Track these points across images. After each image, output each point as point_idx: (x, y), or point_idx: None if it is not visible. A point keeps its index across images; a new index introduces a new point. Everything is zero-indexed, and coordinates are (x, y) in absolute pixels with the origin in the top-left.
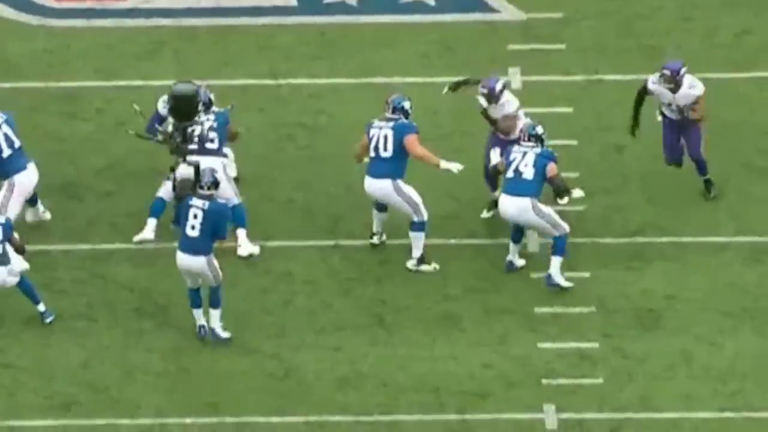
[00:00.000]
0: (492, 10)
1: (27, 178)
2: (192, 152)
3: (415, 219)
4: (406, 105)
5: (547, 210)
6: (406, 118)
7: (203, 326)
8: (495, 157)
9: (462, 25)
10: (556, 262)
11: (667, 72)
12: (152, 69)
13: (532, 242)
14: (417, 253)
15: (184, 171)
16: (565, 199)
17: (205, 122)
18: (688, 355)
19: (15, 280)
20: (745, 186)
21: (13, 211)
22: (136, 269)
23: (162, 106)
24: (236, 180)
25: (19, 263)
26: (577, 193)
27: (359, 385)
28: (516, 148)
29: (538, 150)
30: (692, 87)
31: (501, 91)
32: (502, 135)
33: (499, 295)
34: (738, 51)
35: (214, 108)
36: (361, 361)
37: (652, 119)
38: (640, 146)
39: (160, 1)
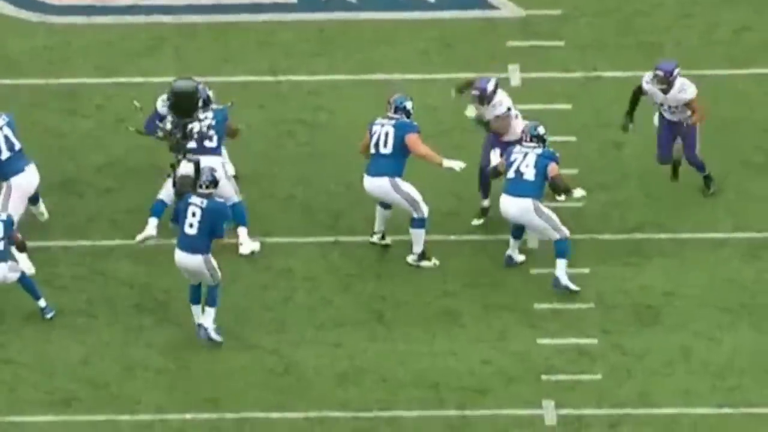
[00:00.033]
0: (491, 7)
1: (25, 180)
2: (191, 150)
3: (415, 216)
4: (408, 105)
5: (549, 212)
6: (408, 117)
7: (201, 325)
8: (495, 157)
9: (461, 22)
10: (561, 265)
11: (660, 73)
12: (152, 66)
13: (532, 238)
14: (418, 249)
15: (185, 168)
16: (562, 196)
17: (203, 120)
18: (686, 350)
19: (16, 276)
20: (743, 183)
21: (15, 211)
22: (136, 266)
23: (161, 104)
24: (235, 178)
25: (28, 267)
26: (579, 192)
27: (359, 380)
28: (517, 148)
29: (540, 151)
30: (682, 90)
31: (493, 92)
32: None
33: (498, 291)
34: (737, 48)
35: (213, 106)
36: (360, 357)
37: (651, 117)
38: (639, 143)
39: None
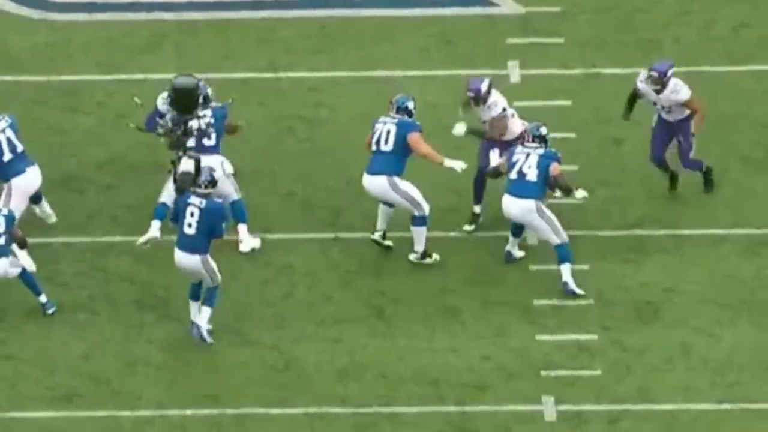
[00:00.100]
0: (491, 4)
1: (25, 181)
2: (190, 148)
3: (416, 214)
4: (410, 105)
5: (551, 214)
6: (410, 117)
7: (195, 323)
8: (495, 157)
9: (461, 19)
10: (566, 269)
11: (654, 73)
12: (153, 62)
13: (531, 235)
14: (419, 247)
15: (185, 165)
16: (557, 192)
17: (203, 117)
18: (686, 347)
19: (17, 271)
20: (742, 179)
21: (15, 210)
22: (137, 262)
23: (161, 102)
24: (234, 175)
25: (28, 264)
26: (580, 193)
27: (359, 376)
28: (519, 149)
29: (542, 151)
30: (675, 92)
31: (488, 92)
32: (497, 138)
33: (498, 287)
34: (736, 44)
35: (212, 103)
36: (360, 353)
37: (651, 114)
38: (639, 139)
39: None
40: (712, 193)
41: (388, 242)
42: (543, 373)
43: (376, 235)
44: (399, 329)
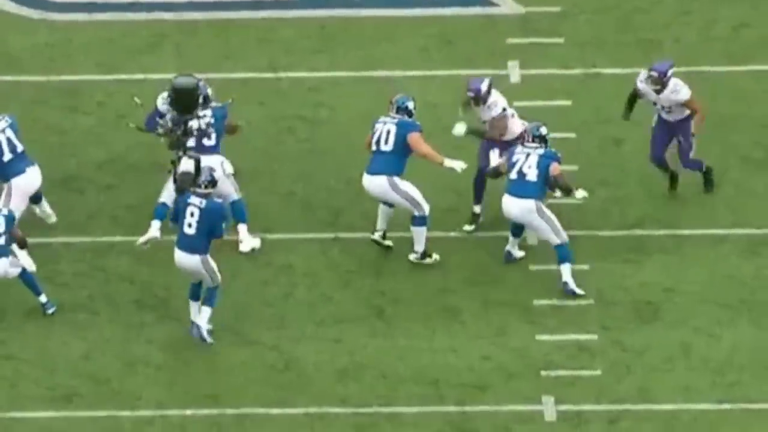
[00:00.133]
0: (491, 4)
1: (25, 182)
2: (190, 148)
3: (416, 214)
4: (410, 105)
5: (551, 214)
6: (410, 117)
7: (195, 323)
8: (495, 157)
9: (461, 19)
10: (566, 269)
11: (654, 73)
12: (153, 62)
13: (531, 235)
14: (419, 247)
15: (185, 165)
16: (557, 192)
17: (203, 117)
18: (686, 347)
19: (17, 271)
20: (742, 179)
21: (15, 210)
22: (137, 262)
23: (161, 102)
24: (234, 175)
25: (28, 264)
26: (580, 193)
27: (359, 376)
28: (519, 149)
29: (542, 151)
30: (675, 92)
31: (488, 92)
32: (497, 138)
33: (498, 287)
34: (736, 44)
35: (212, 103)
36: (360, 353)
37: (652, 113)
38: (639, 139)
39: None
40: (712, 193)
41: (388, 242)
42: (543, 373)
43: (376, 235)
44: (399, 329)
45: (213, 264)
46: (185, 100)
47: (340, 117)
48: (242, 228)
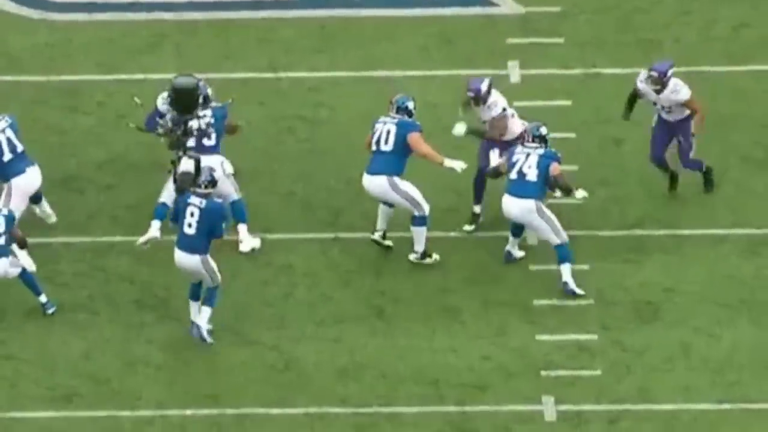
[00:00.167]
0: (491, 3)
1: (25, 182)
2: (190, 148)
3: (416, 214)
4: (410, 105)
5: (551, 214)
6: (410, 117)
7: (195, 323)
8: (495, 157)
9: (461, 19)
10: (566, 269)
11: (654, 73)
12: (153, 62)
13: (531, 235)
14: (419, 247)
15: (185, 165)
16: (557, 192)
17: (202, 118)
18: (686, 346)
19: (17, 271)
20: (742, 179)
21: (15, 210)
22: (137, 262)
23: (161, 102)
24: (234, 175)
25: (28, 264)
26: (580, 194)
27: (359, 376)
28: (519, 149)
29: (542, 151)
30: (675, 92)
31: (488, 92)
32: (497, 138)
33: (498, 287)
34: (736, 44)
35: (212, 103)
36: (360, 353)
37: (652, 113)
38: (639, 139)
39: None
40: (712, 193)
41: (388, 242)
42: (543, 373)
43: (376, 235)
44: (399, 329)
45: (213, 264)
46: (185, 100)
47: (340, 117)
48: (242, 228)
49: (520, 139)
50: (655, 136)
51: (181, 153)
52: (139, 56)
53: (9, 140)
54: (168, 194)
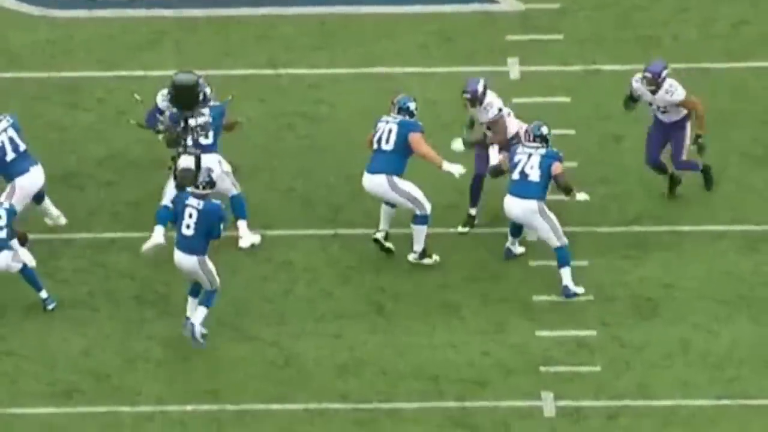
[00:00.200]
0: (491, 0)
1: (28, 181)
2: (189, 146)
3: (418, 213)
4: (412, 106)
5: (552, 215)
6: (411, 118)
7: (190, 320)
8: (495, 154)
9: (461, 16)
10: (566, 273)
11: (648, 75)
12: (153, 59)
13: (531, 232)
14: (418, 247)
15: (186, 162)
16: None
17: (201, 116)
18: (685, 342)
19: (18, 266)
20: (741, 175)
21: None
22: (137, 258)
23: (161, 99)
24: (234, 173)
25: (28, 259)
26: (582, 196)
27: (359, 372)
28: (520, 149)
29: (543, 151)
30: (669, 92)
31: (483, 93)
32: (502, 142)
33: (497, 283)
34: (735, 41)
35: (210, 102)
36: (360, 349)
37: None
38: (638, 136)
39: None
40: (711, 189)
41: (389, 245)
42: (542, 368)
43: (378, 235)
44: (399, 325)
45: (211, 266)
46: (185, 97)
47: (339, 114)
48: (242, 224)
49: (516, 137)
50: (650, 138)
51: (180, 150)
52: (139, 53)
53: (11, 140)
54: (169, 197)
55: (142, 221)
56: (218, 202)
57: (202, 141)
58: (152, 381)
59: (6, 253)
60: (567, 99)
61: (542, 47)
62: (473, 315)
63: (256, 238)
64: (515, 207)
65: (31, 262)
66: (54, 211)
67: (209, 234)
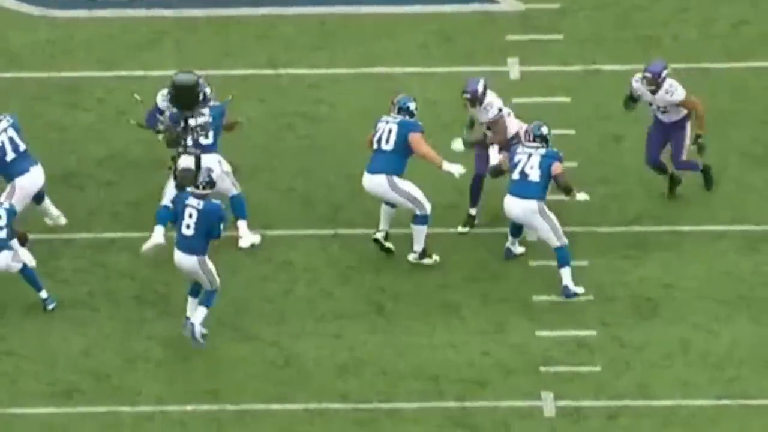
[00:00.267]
0: (491, 0)
1: (28, 181)
2: (188, 146)
3: (418, 213)
4: (412, 106)
5: (553, 216)
6: (411, 118)
7: (189, 320)
8: (495, 154)
9: (461, 16)
10: (566, 273)
11: (648, 75)
12: (153, 59)
13: (531, 232)
14: (418, 247)
15: (186, 161)
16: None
17: (201, 116)
18: (685, 343)
19: (18, 266)
20: (741, 175)
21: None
22: (137, 258)
23: (161, 99)
24: (234, 173)
25: (28, 259)
26: (582, 196)
27: (359, 372)
28: (521, 149)
29: (543, 151)
30: (669, 92)
31: (483, 93)
32: (502, 142)
33: (497, 283)
34: (735, 41)
35: (210, 102)
36: (360, 349)
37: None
38: (638, 136)
39: None
40: (711, 189)
41: (389, 245)
42: (542, 368)
43: (378, 235)
44: (399, 325)
45: (211, 266)
46: (185, 97)
47: (339, 114)
48: (242, 224)
49: (516, 137)
50: (650, 138)
51: (180, 149)
52: (139, 53)
53: (11, 140)
54: (169, 197)
55: (142, 221)
56: (218, 202)
57: (202, 141)
58: (152, 381)
59: (6, 253)
60: (567, 99)
61: (542, 47)
62: (473, 315)
63: (256, 238)
64: (515, 207)
65: (31, 262)
66: (54, 211)
67: (209, 234)
